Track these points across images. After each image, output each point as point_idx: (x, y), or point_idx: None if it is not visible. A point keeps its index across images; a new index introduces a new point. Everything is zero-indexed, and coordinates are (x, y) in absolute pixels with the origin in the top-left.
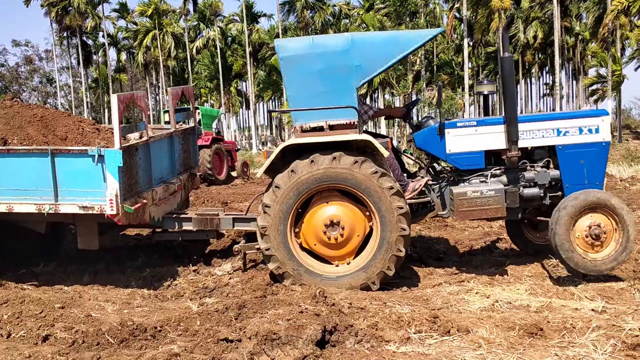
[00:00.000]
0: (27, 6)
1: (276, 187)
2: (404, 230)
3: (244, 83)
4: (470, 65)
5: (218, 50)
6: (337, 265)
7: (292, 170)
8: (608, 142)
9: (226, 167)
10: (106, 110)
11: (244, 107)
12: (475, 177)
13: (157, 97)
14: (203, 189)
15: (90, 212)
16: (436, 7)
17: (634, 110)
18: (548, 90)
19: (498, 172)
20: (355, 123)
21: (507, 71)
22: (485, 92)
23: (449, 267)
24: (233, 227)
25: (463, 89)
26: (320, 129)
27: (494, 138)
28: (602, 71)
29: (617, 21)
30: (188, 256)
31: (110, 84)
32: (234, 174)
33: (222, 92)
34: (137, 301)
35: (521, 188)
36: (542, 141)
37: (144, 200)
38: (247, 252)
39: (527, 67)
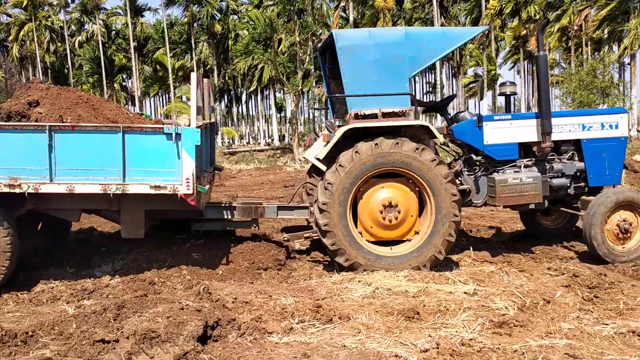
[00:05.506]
0: None
1: (340, 165)
2: (456, 216)
3: (129, 79)
4: None
5: (100, 45)
6: (391, 249)
7: (356, 151)
8: (626, 137)
9: None
10: None
11: (129, 103)
12: (508, 167)
13: None
14: None
15: (161, 191)
16: (323, 5)
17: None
18: (431, 89)
19: (529, 163)
20: (407, 111)
21: (542, 69)
22: (508, 93)
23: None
24: (277, 215)
25: None
26: (374, 116)
27: (527, 131)
28: (479, 70)
29: (492, 23)
30: (66, 258)
31: None
32: None
33: (105, 87)
34: (9, 306)
35: (550, 178)
36: (568, 135)
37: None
38: (296, 240)
39: None
